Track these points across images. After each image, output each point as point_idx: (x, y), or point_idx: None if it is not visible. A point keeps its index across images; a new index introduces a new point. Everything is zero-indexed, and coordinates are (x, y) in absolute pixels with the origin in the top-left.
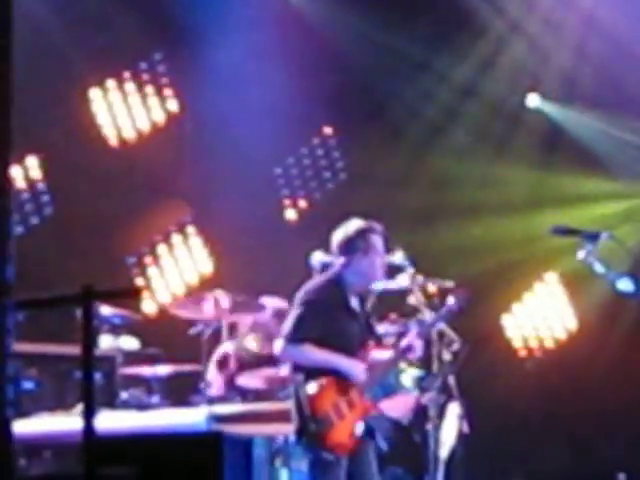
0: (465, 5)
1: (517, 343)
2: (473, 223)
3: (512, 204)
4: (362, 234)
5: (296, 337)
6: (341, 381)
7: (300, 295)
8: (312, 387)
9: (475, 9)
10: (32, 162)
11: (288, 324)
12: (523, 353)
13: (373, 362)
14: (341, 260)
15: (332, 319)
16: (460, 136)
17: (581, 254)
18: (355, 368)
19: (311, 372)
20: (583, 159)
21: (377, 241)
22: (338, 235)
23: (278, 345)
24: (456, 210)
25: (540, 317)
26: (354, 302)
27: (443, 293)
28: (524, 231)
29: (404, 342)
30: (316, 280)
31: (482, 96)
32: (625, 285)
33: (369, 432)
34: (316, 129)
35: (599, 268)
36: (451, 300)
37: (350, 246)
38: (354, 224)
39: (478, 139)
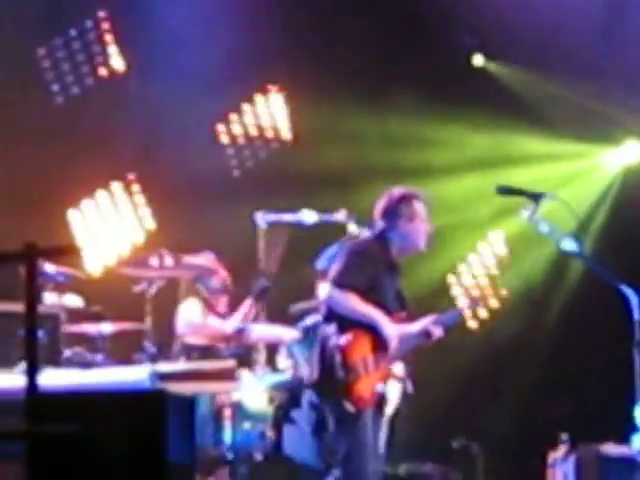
0: None
1: (462, 303)
2: (419, 183)
3: (458, 164)
4: (406, 200)
5: (343, 283)
6: (373, 337)
7: (349, 245)
8: (346, 336)
9: None
10: None
11: (336, 270)
12: (468, 313)
13: (401, 334)
14: (384, 224)
15: (376, 273)
16: (408, 96)
17: (525, 214)
18: (391, 330)
19: (345, 324)
20: (528, 119)
21: (421, 208)
22: (382, 201)
23: (325, 289)
24: (402, 170)
25: (485, 277)
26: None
27: None
28: (469, 192)
29: (421, 326)
30: (363, 237)
31: (429, 55)
32: (569, 245)
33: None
34: (261, 86)
35: (543, 227)
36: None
37: (394, 212)
38: (398, 190)
39: (426, 99)
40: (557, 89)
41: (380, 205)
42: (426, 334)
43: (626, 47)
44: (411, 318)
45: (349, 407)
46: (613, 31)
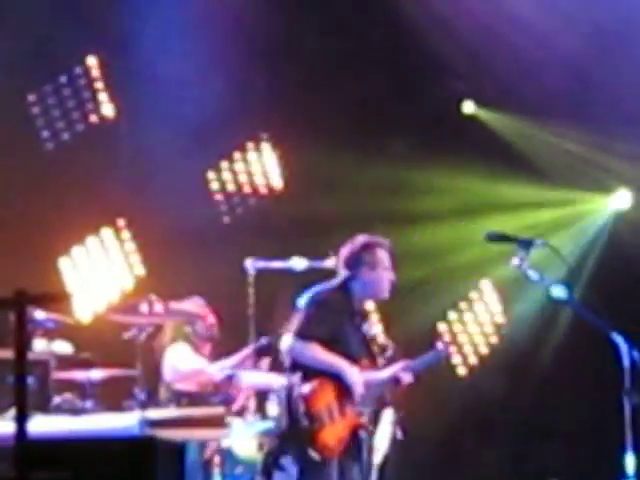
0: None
1: (451, 350)
2: (409, 230)
3: (447, 211)
4: (369, 248)
5: (305, 334)
6: (338, 386)
7: (310, 295)
8: (309, 385)
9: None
10: None
11: (298, 321)
12: (457, 360)
13: (367, 381)
14: (347, 272)
15: (338, 324)
16: (398, 144)
17: (515, 261)
18: (356, 377)
19: (309, 373)
20: (518, 166)
21: (384, 256)
22: (345, 249)
23: (287, 341)
24: (393, 217)
25: (474, 324)
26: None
27: None
28: (459, 238)
29: (390, 372)
30: (325, 285)
31: (419, 103)
32: (559, 292)
33: (358, 450)
34: (251, 134)
35: (533, 275)
36: (440, 345)
37: (357, 260)
38: (361, 239)
39: (416, 146)
40: (548, 136)
41: (343, 253)
42: (395, 380)
43: (616, 96)
44: (377, 365)
45: (314, 455)
46: (603, 80)
